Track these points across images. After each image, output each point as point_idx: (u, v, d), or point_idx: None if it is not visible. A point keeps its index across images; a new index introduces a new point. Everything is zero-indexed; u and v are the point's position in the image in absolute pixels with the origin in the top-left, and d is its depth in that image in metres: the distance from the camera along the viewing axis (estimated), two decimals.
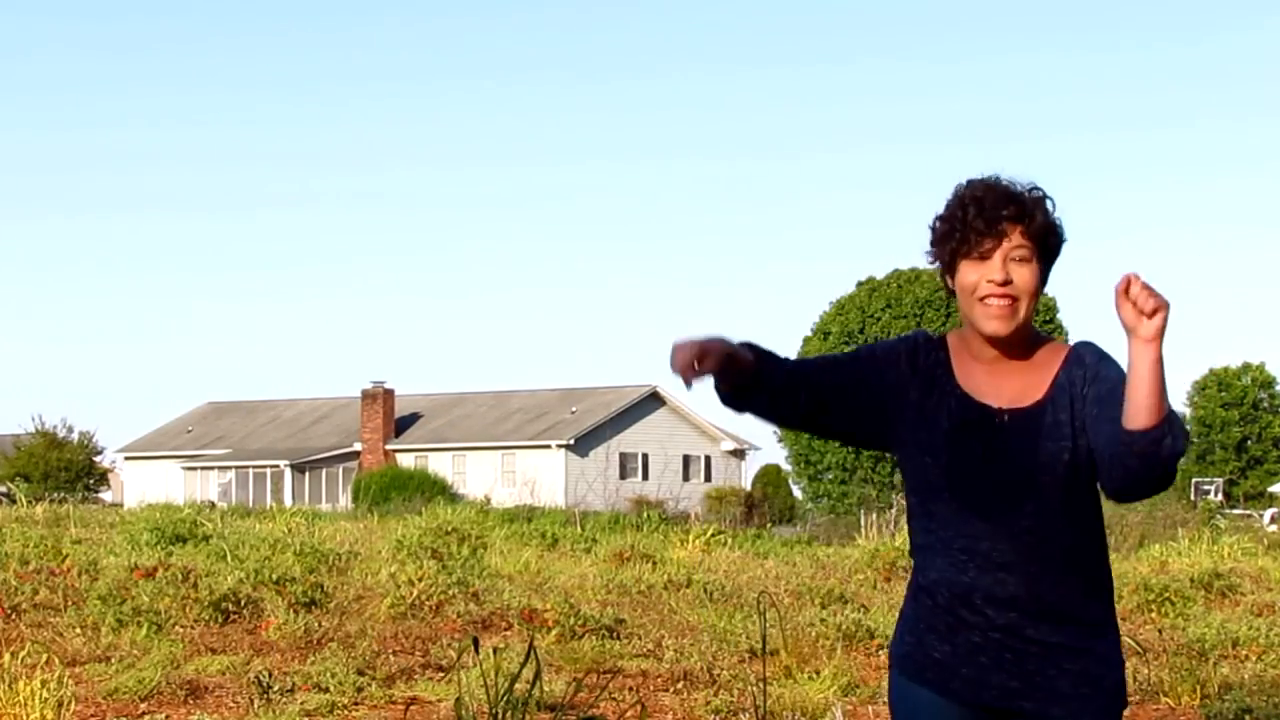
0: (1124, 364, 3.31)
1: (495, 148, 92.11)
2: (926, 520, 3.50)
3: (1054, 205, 3.45)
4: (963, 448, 3.42)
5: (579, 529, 26.73)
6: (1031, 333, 3.48)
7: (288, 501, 56.02)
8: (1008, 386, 3.46)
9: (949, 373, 3.50)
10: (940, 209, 3.48)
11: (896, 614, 3.72)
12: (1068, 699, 3.41)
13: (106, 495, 65.66)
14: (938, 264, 3.50)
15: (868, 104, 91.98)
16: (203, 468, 65.66)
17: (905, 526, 3.67)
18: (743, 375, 3.50)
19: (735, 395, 3.54)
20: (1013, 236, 3.39)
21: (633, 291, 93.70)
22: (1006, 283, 3.38)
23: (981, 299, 3.40)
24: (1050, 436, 3.39)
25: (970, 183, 3.45)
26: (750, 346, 3.54)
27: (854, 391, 3.54)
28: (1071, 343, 3.51)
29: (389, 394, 64.13)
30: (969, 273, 3.41)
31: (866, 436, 3.60)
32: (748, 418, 3.63)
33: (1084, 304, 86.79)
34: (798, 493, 63.10)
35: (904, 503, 3.64)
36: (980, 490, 3.41)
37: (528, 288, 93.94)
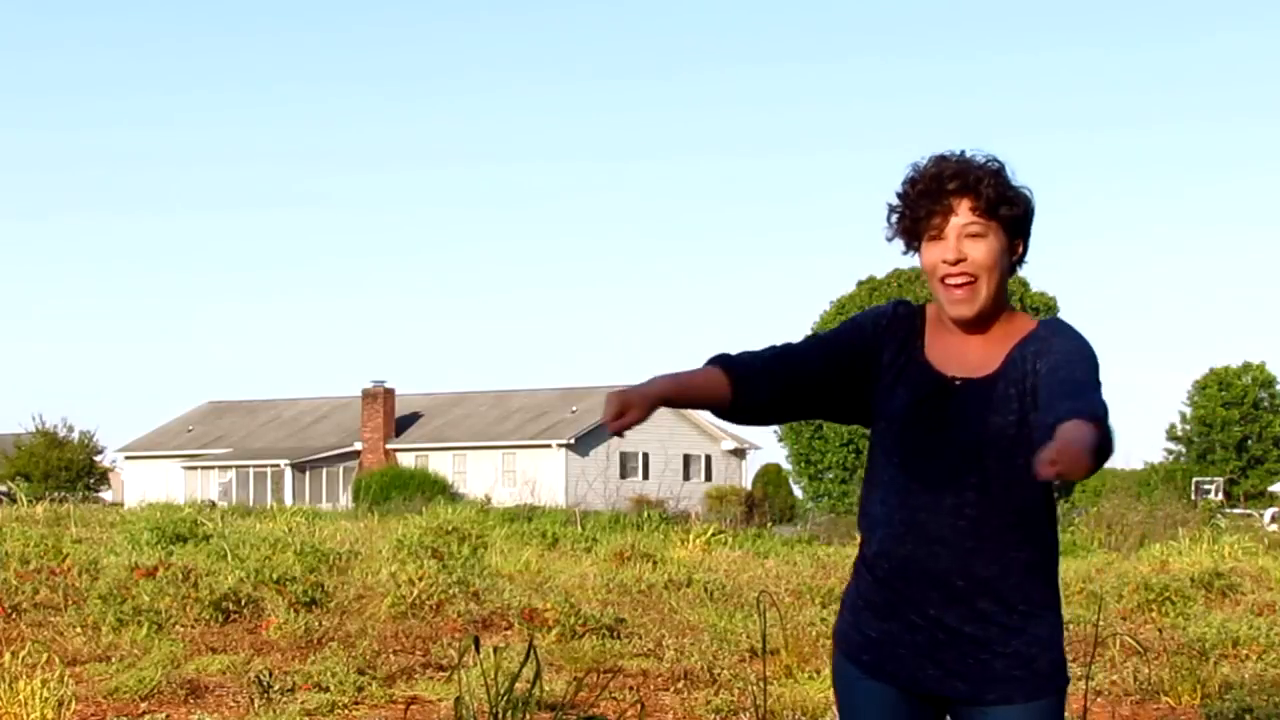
0: (1082, 339, 3.33)
1: (495, 148, 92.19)
2: (878, 490, 3.45)
3: (1009, 174, 3.37)
4: (916, 416, 3.39)
5: (579, 528, 26.74)
6: (1002, 309, 3.43)
7: (288, 501, 56.02)
8: (970, 356, 3.42)
9: (919, 341, 3.47)
10: (895, 191, 3.43)
11: None
12: (1001, 682, 3.36)
13: (107, 495, 65.69)
14: (911, 251, 3.46)
15: (868, 103, 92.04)
16: (203, 467, 65.66)
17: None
18: (709, 399, 3.49)
19: (721, 414, 3.56)
20: (960, 212, 3.34)
21: (632, 291, 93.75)
22: (960, 260, 3.34)
23: (941, 280, 3.38)
24: (998, 410, 3.35)
25: (924, 161, 3.40)
26: (722, 361, 3.50)
27: (827, 374, 3.49)
28: (1044, 320, 3.46)
29: (389, 394, 64.13)
30: (927, 254, 3.40)
31: (848, 414, 3.56)
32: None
33: (1084, 304, 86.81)
34: (798, 492, 63.12)
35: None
36: (926, 460, 3.36)
37: (528, 288, 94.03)
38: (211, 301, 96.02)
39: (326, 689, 8.89)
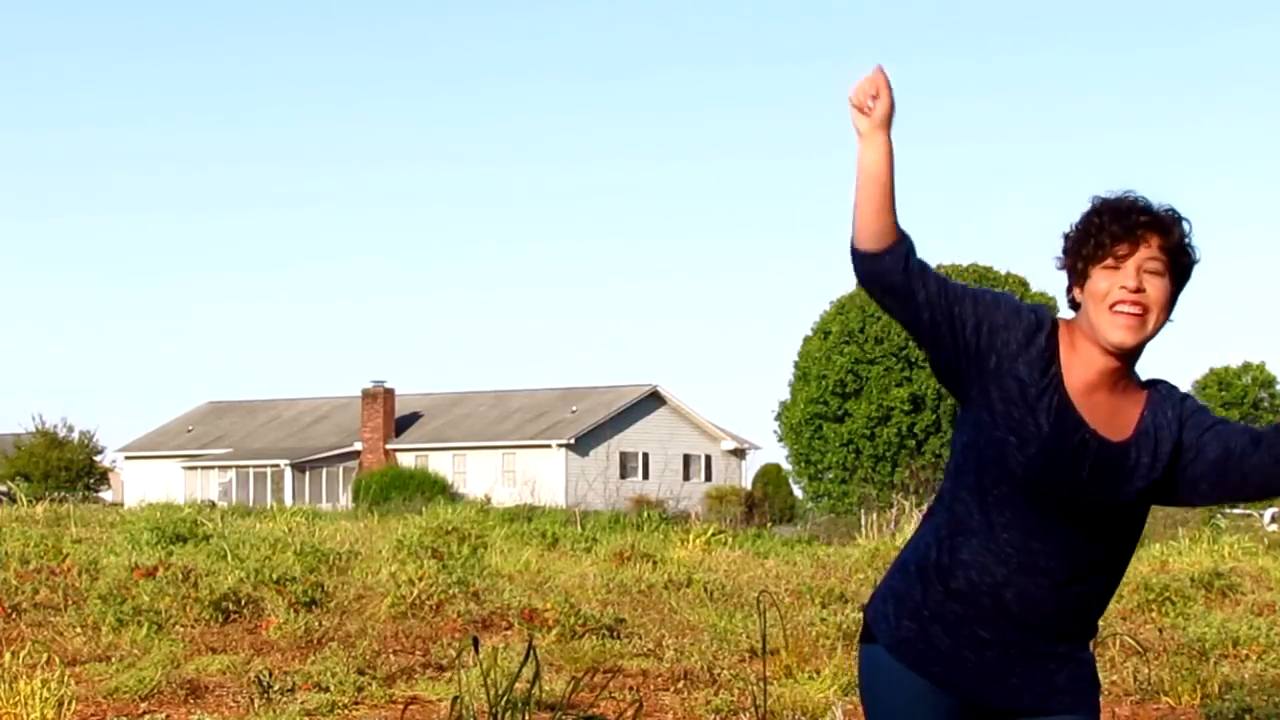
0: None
1: (495, 148, 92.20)
2: (980, 497, 3.43)
3: (1190, 227, 3.44)
4: (1051, 451, 3.39)
5: (579, 528, 26.72)
6: (1137, 362, 3.50)
7: (288, 501, 56.03)
8: (1100, 409, 3.44)
9: (1059, 365, 3.44)
10: (1078, 218, 3.47)
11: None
12: (1065, 691, 3.47)
13: (107, 495, 65.68)
14: (1066, 274, 3.49)
15: None
16: (203, 467, 65.68)
17: (924, 510, 3.63)
18: (883, 209, 3.38)
19: (867, 251, 3.42)
20: (1148, 246, 3.39)
21: (633, 291, 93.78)
22: (1139, 290, 3.38)
23: (1112, 306, 3.39)
24: (1129, 478, 3.43)
25: (1112, 196, 3.46)
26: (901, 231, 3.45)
27: (962, 328, 3.42)
28: (1148, 380, 3.52)
29: (389, 394, 64.14)
30: (1101, 280, 3.41)
31: (950, 369, 3.46)
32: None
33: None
34: (798, 492, 63.11)
35: (944, 475, 3.54)
36: (1052, 500, 3.39)
37: (528, 288, 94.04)
38: (211, 301, 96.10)
39: (326, 689, 8.89)
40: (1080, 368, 3.44)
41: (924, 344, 3.48)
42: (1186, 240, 3.43)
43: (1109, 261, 3.40)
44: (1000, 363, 3.41)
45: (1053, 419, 3.40)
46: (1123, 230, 3.39)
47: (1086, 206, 3.47)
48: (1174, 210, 3.45)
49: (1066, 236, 3.48)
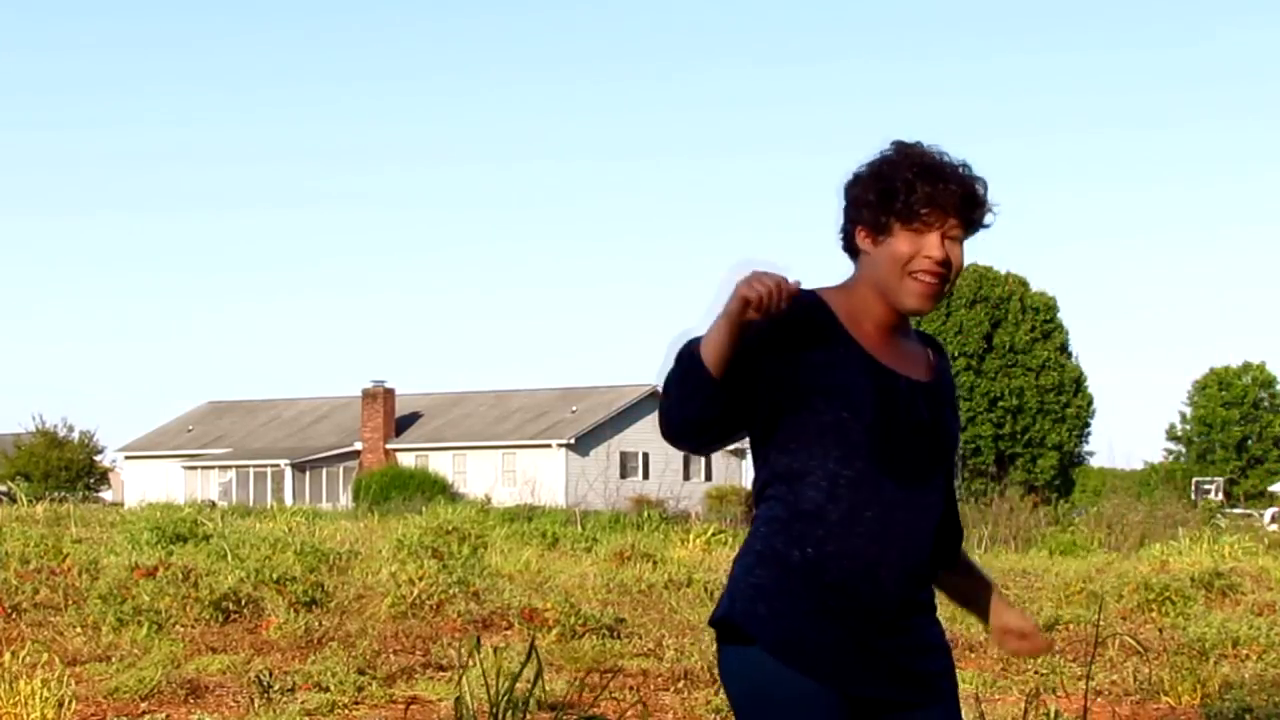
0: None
1: (494, 148, 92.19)
2: (831, 484, 3.28)
3: (987, 189, 3.37)
4: (883, 410, 3.29)
5: (579, 528, 26.72)
6: None
7: (288, 501, 56.02)
8: (899, 354, 3.38)
9: (843, 332, 3.33)
10: (876, 162, 3.34)
11: None
12: (943, 674, 3.39)
13: (107, 494, 65.71)
14: (853, 215, 3.36)
15: (868, 103, 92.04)
16: (203, 467, 65.66)
17: (769, 493, 3.38)
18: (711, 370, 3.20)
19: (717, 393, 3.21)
20: (955, 215, 3.32)
21: (633, 291, 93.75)
22: (944, 262, 3.32)
23: (912, 273, 3.31)
24: (942, 414, 3.40)
25: (916, 147, 3.34)
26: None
27: (747, 378, 3.27)
28: (924, 332, 3.51)
29: (389, 393, 64.13)
30: (903, 242, 3.31)
31: (765, 410, 3.31)
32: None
33: (1084, 304, 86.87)
34: None
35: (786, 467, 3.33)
36: (900, 457, 3.30)
37: (528, 287, 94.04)
38: (211, 301, 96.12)
39: (326, 689, 8.89)
40: (867, 324, 3.35)
41: (745, 422, 3.31)
42: (985, 217, 3.38)
43: (916, 225, 3.30)
44: (800, 364, 3.27)
45: (870, 378, 3.30)
46: (937, 198, 3.29)
47: (889, 152, 3.34)
48: (979, 177, 3.35)
49: (863, 182, 3.34)
